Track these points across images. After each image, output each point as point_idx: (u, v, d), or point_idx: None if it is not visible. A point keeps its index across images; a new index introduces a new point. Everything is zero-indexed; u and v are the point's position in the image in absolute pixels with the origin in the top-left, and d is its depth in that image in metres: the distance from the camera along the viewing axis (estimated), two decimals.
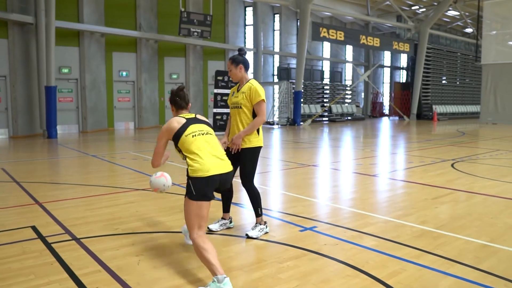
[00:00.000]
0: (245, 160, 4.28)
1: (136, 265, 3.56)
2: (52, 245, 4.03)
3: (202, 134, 3.50)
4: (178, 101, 3.77)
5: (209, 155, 3.41)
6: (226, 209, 4.60)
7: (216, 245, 4.02)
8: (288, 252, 3.88)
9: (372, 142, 14.68)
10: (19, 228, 4.56)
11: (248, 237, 4.25)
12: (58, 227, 4.61)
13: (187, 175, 3.38)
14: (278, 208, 5.51)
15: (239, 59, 4.35)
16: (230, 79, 16.26)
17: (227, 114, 16.14)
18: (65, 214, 5.09)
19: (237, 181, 4.49)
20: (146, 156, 10.45)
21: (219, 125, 16.08)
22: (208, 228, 4.49)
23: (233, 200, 4.62)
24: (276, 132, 17.83)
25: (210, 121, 18.80)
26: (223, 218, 4.60)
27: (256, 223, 4.39)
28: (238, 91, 4.37)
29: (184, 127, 3.47)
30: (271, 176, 8.09)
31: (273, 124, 21.97)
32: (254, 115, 4.26)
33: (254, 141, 4.28)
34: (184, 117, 3.58)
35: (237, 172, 4.29)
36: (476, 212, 5.23)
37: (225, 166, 3.49)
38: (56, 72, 16.11)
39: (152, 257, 3.73)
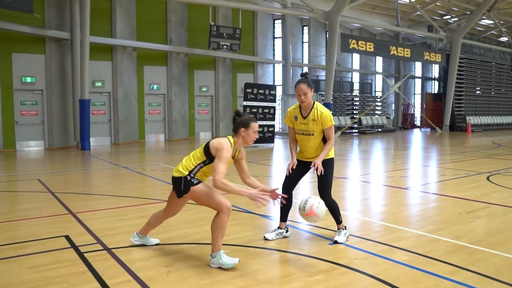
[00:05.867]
0: (324, 173, 4.35)
1: (165, 276, 3.58)
2: (85, 254, 4.11)
3: None
4: None
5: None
6: (283, 218, 4.65)
7: (246, 258, 4.01)
8: (318, 265, 3.83)
9: (403, 154, 14.41)
10: (53, 237, 4.67)
11: (336, 242, 4.37)
12: (90, 237, 4.70)
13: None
14: None
15: (311, 83, 4.40)
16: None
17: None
18: (97, 224, 5.19)
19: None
20: None
21: None
22: (264, 237, 4.57)
23: (259, 212, 4.61)
24: None
25: None
26: (279, 228, 4.65)
27: (339, 229, 4.53)
28: (304, 117, 4.42)
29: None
30: (300, 188, 8.03)
31: None
32: (323, 138, 4.44)
33: (329, 153, 4.47)
34: None
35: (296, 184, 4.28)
36: None
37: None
38: (90, 85, 16.56)
39: (181, 269, 3.75)
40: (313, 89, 4.39)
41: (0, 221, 5.45)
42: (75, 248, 4.31)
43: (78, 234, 4.79)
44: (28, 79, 15.68)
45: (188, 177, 3.89)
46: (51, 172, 10.34)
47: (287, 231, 4.67)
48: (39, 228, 5.11)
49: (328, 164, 4.41)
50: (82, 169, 11.00)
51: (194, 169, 3.91)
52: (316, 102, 4.45)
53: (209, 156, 3.84)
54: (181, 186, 3.92)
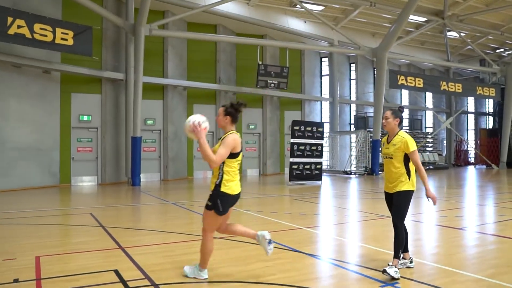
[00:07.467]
0: (399, 202, 4.63)
1: None
2: None
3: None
4: (236, 115, 4.37)
5: (237, 178, 4.29)
6: (405, 249, 4.79)
7: None
8: None
9: (457, 192, 13.78)
10: (103, 271, 4.76)
11: (385, 272, 4.34)
12: (139, 272, 4.75)
13: (217, 189, 4.17)
14: (356, 261, 5.27)
15: (398, 114, 4.85)
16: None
17: (303, 163, 16.13)
18: (145, 260, 5.25)
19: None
20: None
21: (295, 174, 16.00)
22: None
23: (306, 251, 4.49)
24: (354, 182, 17.41)
25: (287, 170, 18.87)
26: (403, 258, 4.75)
27: (392, 264, 4.49)
28: (388, 142, 4.84)
29: (241, 148, 4.35)
30: (348, 227, 7.83)
31: (350, 173, 21.51)
32: (405, 163, 4.65)
33: (408, 185, 4.65)
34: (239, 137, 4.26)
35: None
36: None
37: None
38: (142, 123, 17.21)
39: None
40: (397, 118, 4.76)
41: (53, 253, 5.64)
42: (124, 282, 4.36)
43: (127, 269, 4.86)
44: (85, 117, 16.54)
45: None
46: (103, 206, 10.66)
47: (411, 262, 4.79)
48: (90, 261, 5.24)
49: (402, 195, 4.61)
50: (132, 204, 11.28)
51: None
52: (402, 131, 4.76)
53: None
54: None
